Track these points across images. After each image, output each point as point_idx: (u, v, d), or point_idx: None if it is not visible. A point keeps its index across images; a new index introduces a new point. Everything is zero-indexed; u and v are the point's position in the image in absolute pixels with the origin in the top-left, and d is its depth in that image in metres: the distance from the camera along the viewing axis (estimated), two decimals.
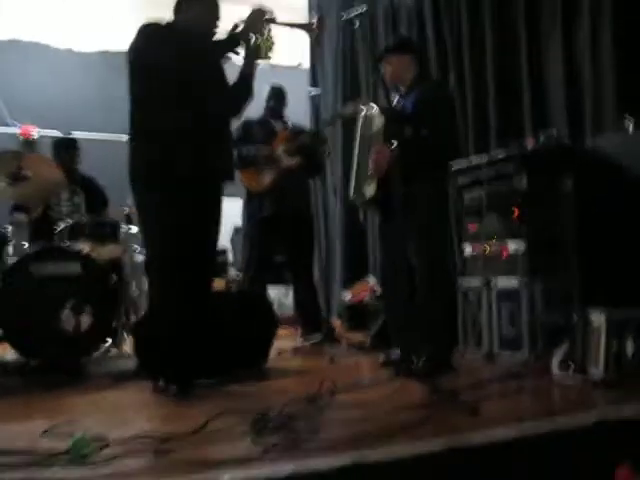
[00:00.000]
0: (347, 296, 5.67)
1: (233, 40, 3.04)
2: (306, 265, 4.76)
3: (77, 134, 5.89)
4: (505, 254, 3.73)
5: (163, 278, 2.92)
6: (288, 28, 3.21)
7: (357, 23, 6.16)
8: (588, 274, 3.47)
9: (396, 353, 3.59)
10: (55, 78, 6.85)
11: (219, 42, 3.08)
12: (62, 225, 4.01)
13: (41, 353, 3.41)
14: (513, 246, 3.68)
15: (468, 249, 3.96)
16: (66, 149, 4.73)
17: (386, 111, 3.54)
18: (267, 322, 3.65)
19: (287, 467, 1.83)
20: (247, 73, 3.09)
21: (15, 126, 6.67)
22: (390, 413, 2.47)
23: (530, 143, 3.86)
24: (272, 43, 3.05)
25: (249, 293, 3.97)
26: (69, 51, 7.04)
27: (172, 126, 2.84)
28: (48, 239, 4.02)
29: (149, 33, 2.94)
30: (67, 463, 1.86)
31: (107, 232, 4.13)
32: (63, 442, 1.96)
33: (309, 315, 4.70)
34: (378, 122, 3.48)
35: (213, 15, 3.11)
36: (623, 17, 3.94)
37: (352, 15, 6.20)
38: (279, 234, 4.60)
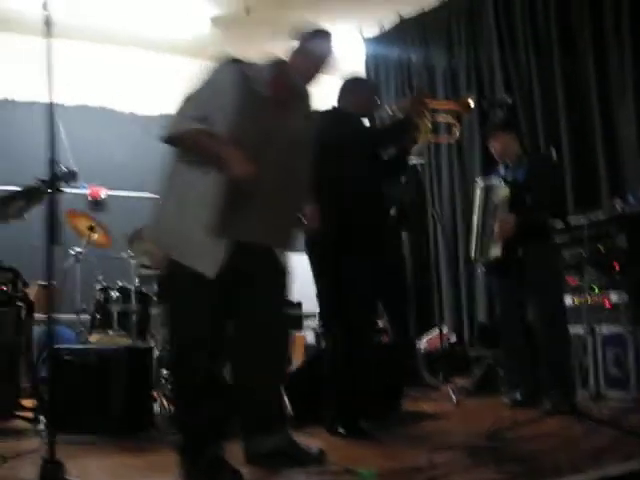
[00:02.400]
0: (423, 343, 6.24)
1: (402, 126, 3.61)
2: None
3: (141, 194, 6.52)
4: (607, 304, 4.38)
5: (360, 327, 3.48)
6: (446, 109, 3.82)
7: None
8: None
9: (517, 394, 4.19)
10: (120, 140, 7.44)
11: (388, 129, 3.68)
12: None
13: None
14: (615, 297, 4.34)
15: (569, 300, 4.59)
16: None
17: (509, 183, 4.18)
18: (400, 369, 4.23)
19: None
20: (405, 152, 3.72)
21: (84, 188, 7.19)
22: (571, 443, 3.06)
23: (619, 204, 4.55)
24: (431, 125, 3.66)
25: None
26: (132, 114, 7.67)
27: (361, 200, 3.43)
28: None
29: (333, 118, 3.53)
30: None
31: None
32: None
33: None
34: (503, 192, 4.13)
35: (373, 99, 3.73)
36: None
37: None
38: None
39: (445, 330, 6.31)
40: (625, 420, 3.46)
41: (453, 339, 6.22)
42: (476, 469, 2.68)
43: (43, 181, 3.73)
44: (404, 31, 7.11)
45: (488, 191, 4.26)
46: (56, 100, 6.49)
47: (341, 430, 3.46)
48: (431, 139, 3.88)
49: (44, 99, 2.44)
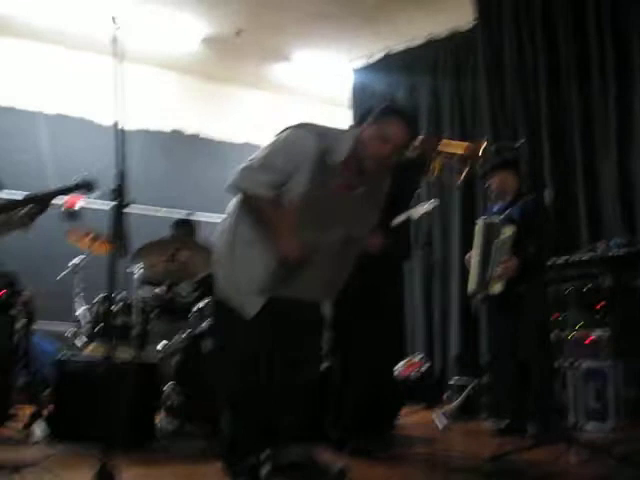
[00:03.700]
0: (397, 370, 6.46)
1: (417, 166, 3.85)
2: None
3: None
4: (588, 340, 4.69)
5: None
6: (455, 154, 4.07)
7: None
8: None
9: (504, 422, 4.45)
10: (99, 152, 7.48)
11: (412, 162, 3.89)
12: (198, 306, 4.62)
13: None
14: (597, 333, 4.65)
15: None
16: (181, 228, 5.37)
17: (514, 222, 4.43)
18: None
19: None
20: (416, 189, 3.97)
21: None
22: (570, 469, 3.31)
23: (602, 248, 4.88)
24: (442, 165, 3.90)
25: None
26: (113, 127, 7.70)
27: None
28: (178, 318, 4.68)
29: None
30: None
31: None
32: None
33: None
34: (508, 231, 4.39)
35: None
36: None
37: None
38: None
39: (418, 358, 6.58)
40: (614, 448, 3.73)
41: (426, 367, 6.45)
42: None
43: (57, 191, 3.82)
44: (391, 63, 7.41)
45: (490, 228, 4.51)
46: (38, 108, 6.48)
47: (347, 449, 3.63)
48: (437, 179, 4.12)
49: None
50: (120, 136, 2.56)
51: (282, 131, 2.89)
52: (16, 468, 2.61)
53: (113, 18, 2.74)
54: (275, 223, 2.78)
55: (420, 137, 3.81)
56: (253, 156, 2.86)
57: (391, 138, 2.80)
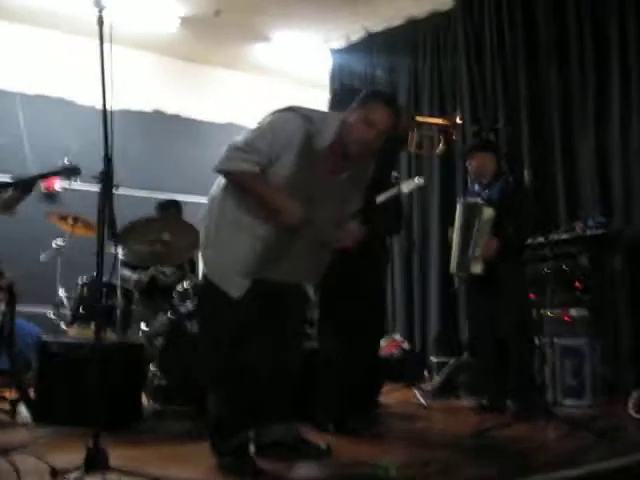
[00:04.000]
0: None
1: (399, 140, 3.87)
2: None
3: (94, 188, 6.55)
4: (566, 318, 4.78)
5: None
6: (433, 124, 4.09)
7: None
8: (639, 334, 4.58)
9: (484, 399, 4.54)
10: (77, 133, 7.44)
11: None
12: (180, 288, 4.63)
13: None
14: (574, 312, 4.75)
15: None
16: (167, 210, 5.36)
17: (493, 204, 4.49)
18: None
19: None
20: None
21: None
22: (550, 444, 3.40)
23: (580, 227, 4.98)
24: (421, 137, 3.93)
25: None
26: (92, 108, 7.67)
27: None
28: (160, 300, 4.70)
29: None
30: None
31: None
32: None
33: None
34: (488, 213, 4.44)
35: None
36: None
37: None
38: None
39: (398, 337, 6.67)
40: (592, 424, 3.83)
41: (406, 346, 6.53)
42: (476, 464, 2.97)
43: (41, 174, 3.83)
44: (370, 44, 7.42)
45: (471, 209, 4.56)
46: (17, 88, 6.36)
47: (331, 428, 3.69)
48: (416, 152, 4.15)
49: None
50: (106, 118, 2.53)
51: (269, 114, 2.91)
52: (5, 451, 2.62)
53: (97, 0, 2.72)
54: (268, 193, 2.79)
55: None
56: (238, 138, 2.86)
57: (376, 123, 2.83)
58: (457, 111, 4.80)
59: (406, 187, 4.41)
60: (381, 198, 3.95)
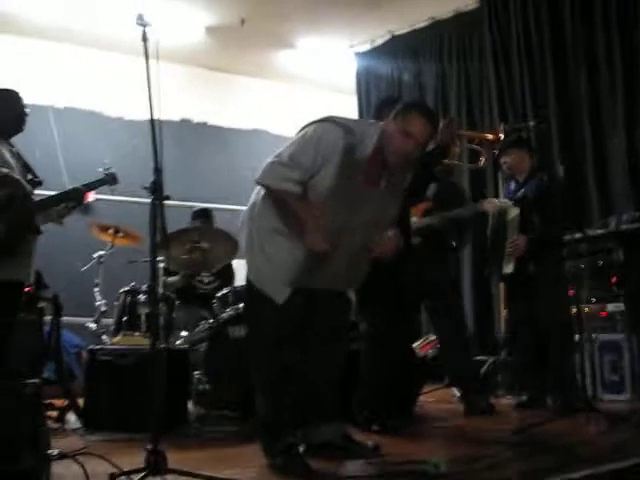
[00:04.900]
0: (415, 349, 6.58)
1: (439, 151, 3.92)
2: None
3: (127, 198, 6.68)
4: (604, 313, 4.82)
5: None
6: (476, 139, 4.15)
7: None
8: None
9: (523, 396, 4.59)
10: (107, 144, 7.58)
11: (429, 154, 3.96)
12: (220, 294, 4.73)
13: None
14: (611, 307, 4.78)
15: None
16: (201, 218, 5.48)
17: (519, 203, 4.54)
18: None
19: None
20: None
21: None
22: (594, 438, 3.44)
23: (614, 223, 5.00)
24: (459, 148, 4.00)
25: None
26: (120, 119, 7.83)
27: None
28: (200, 307, 4.80)
29: None
30: None
31: None
32: None
33: None
34: (513, 212, 4.50)
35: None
36: None
37: None
38: None
39: (433, 337, 6.71)
40: (632, 419, 3.86)
41: None
42: (523, 460, 3.02)
43: (85, 185, 3.95)
44: (395, 47, 7.49)
45: (500, 211, 4.63)
46: (47, 102, 6.45)
47: (375, 428, 3.75)
48: (457, 165, 4.22)
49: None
50: (154, 131, 2.62)
51: (308, 125, 2.97)
52: (66, 455, 2.72)
53: (140, 16, 2.82)
54: (302, 216, 2.85)
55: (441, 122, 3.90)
56: (280, 150, 2.93)
57: (413, 134, 2.88)
58: (500, 126, 4.82)
59: (490, 206, 4.54)
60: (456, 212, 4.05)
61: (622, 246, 4.78)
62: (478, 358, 5.66)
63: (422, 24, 7.18)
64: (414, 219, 4.45)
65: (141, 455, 2.55)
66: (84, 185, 3.95)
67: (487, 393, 4.55)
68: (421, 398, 4.64)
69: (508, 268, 4.51)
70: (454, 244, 4.78)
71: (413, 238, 4.26)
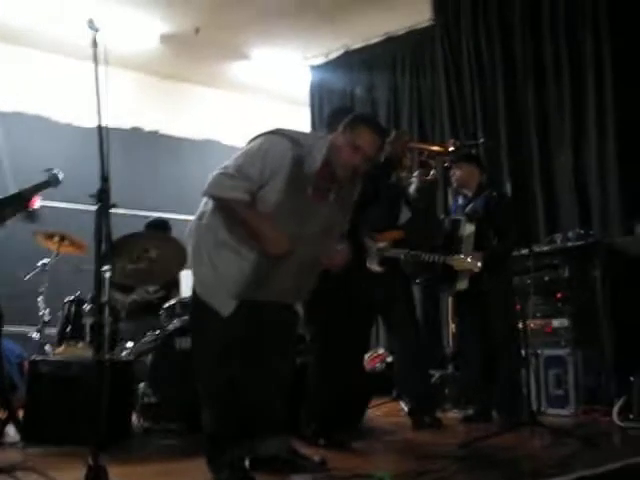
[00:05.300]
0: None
1: (389, 163, 3.95)
2: None
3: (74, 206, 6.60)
4: (549, 329, 4.89)
5: None
6: (426, 151, 4.18)
7: None
8: (620, 343, 4.69)
9: (469, 410, 4.63)
10: (56, 150, 7.44)
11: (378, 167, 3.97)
12: (168, 304, 4.66)
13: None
14: (556, 323, 4.86)
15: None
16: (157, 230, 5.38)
17: (474, 219, 4.58)
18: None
19: None
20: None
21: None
22: (539, 452, 3.47)
23: (560, 240, 5.10)
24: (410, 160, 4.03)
25: None
26: (69, 125, 7.70)
27: None
28: (146, 317, 4.73)
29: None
30: None
31: None
32: None
33: None
34: (468, 229, 4.55)
35: None
36: (624, 135, 5.29)
37: None
38: None
39: (382, 351, 6.74)
40: (577, 432, 3.92)
41: (389, 359, 6.59)
42: (469, 474, 3.03)
43: (28, 189, 3.87)
44: (349, 61, 7.55)
45: (454, 226, 4.67)
46: None
47: (322, 442, 3.73)
48: (407, 176, 4.24)
49: None
50: (102, 137, 2.57)
51: (255, 137, 2.94)
52: (7, 469, 2.63)
53: (91, 20, 2.77)
54: (255, 223, 2.83)
55: (392, 134, 3.94)
56: (227, 163, 2.89)
57: (362, 148, 2.87)
58: (451, 139, 4.88)
59: (457, 264, 4.45)
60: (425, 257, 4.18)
61: (568, 263, 4.87)
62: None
63: (376, 39, 7.26)
64: (381, 244, 4.40)
65: (82, 470, 2.49)
66: (27, 189, 3.86)
67: (434, 408, 4.55)
68: (369, 412, 4.64)
69: (462, 284, 4.55)
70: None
71: (378, 266, 4.29)
